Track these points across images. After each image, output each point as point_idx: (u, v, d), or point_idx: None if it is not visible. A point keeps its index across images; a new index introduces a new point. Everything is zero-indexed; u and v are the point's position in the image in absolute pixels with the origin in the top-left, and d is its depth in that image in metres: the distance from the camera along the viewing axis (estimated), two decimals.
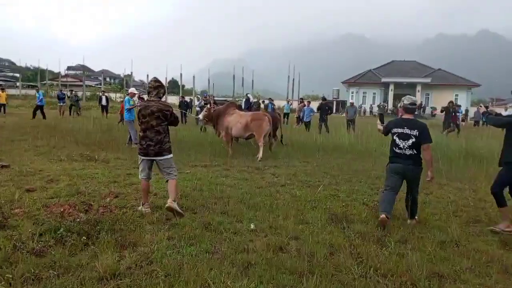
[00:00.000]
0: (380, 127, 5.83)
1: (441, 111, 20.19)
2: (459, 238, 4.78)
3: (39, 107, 21.44)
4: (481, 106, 6.41)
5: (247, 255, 4.00)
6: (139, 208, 5.44)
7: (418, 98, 50.31)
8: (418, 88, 51.51)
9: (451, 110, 18.99)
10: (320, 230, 4.84)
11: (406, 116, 5.33)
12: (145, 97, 6.09)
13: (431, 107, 47.74)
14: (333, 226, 5.01)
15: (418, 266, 3.88)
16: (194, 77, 57.00)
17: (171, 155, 5.53)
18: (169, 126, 5.57)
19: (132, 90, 13.11)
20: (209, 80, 58.25)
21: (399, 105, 5.98)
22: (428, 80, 51.92)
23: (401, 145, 5.17)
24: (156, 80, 5.61)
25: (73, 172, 7.64)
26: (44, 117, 20.98)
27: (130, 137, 12.09)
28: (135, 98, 12.96)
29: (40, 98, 21.74)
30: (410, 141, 5.11)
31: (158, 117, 5.35)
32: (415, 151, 5.12)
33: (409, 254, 4.21)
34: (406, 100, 5.34)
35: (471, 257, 4.22)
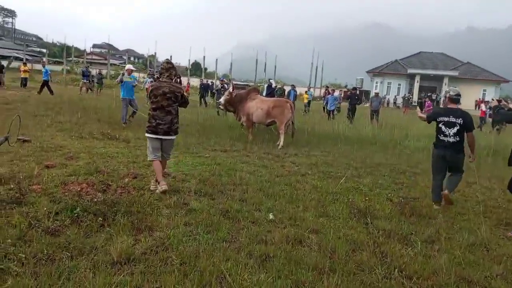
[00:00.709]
0: (421, 114, 6.20)
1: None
2: (489, 241, 4.53)
3: (45, 82, 21.16)
4: (493, 100, 6.03)
5: (265, 246, 3.86)
6: (153, 187, 5.46)
7: (445, 91, 49.10)
8: (445, 81, 50.09)
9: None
10: (342, 225, 4.66)
11: (451, 105, 5.67)
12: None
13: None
14: (355, 221, 4.81)
15: (445, 269, 3.66)
16: (216, 60, 56.76)
17: (175, 136, 5.73)
18: (179, 108, 5.73)
19: (129, 66, 12.67)
20: (231, 64, 57.95)
21: (442, 95, 6.32)
22: (455, 73, 50.43)
23: (447, 132, 5.55)
24: (168, 61, 5.81)
25: (93, 150, 7.61)
26: (51, 92, 20.62)
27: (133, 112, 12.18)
28: (144, 76, 12.75)
29: (48, 73, 21.59)
30: (455, 129, 5.49)
31: (169, 98, 5.49)
32: (458, 138, 5.51)
33: (436, 256, 4.00)
34: (452, 91, 5.68)
35: (503, 262, 3.97)
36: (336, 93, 21.72)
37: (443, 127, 5.57)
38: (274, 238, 4.05)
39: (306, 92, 26.88)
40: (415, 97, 48.63)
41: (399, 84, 53.27)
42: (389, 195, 6.10)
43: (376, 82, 53.38)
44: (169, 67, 5.65)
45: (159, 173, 5.49)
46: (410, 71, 51.35)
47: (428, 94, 49.00)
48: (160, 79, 5.70)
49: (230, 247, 3.81)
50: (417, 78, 50.90)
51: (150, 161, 5.75)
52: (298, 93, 25.77)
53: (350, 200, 5.63)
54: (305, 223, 4.58)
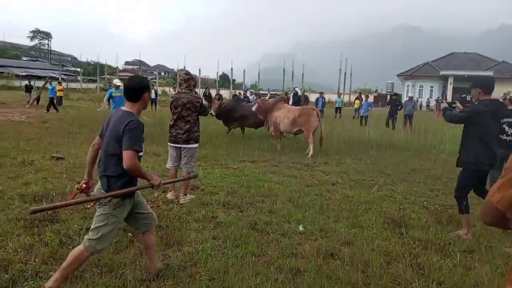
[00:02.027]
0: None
1: None
2: None
3: (51, 100, 21.14)
4: (442, 102, 5.49)
5: (296, 260, 3.75)
6: (167, 195, 5.75)
7: None
8: None
9: None
10: (375, 236, 4.48)
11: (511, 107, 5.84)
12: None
13: None
14: (389, 231, 4.63)
15: (487, 281, 3.45)
16: (244, 71, 57.14)
17: (196, 145, 5.81)
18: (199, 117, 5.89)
19: (115, 81, 12.48)
20: (259, 75, 58.18)
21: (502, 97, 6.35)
22: (490, 73, 48.65)
23: (509, 132, 5.69)
24: (186, 73, 6.04)
25: None
26: (56, 109, 20.72)
27: None
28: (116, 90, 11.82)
29: (54, 90, 21.74)
30: None
31: (188, 108, 5.67)
32: None
33: (477, 267, 3.77)
34: None
35: None
36: (370, 99, 21.42)
37: (506, 128, 5.70)
38: (305, 251, 3.94)
39: (356, 98, 27.02)
40: (449, 99, 47.25)
41: (432, 87, 51.94)
42: (424, 203, 5.86)
43: (408, 86, 52.26)
44: (187, 78, 5.87)
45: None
46: (442, 72, 50.01)
47: (462, 95, 47.55)
48: (179, 90, 5.93)
49: (259, 261, 3.73)
50: (450, 80, 49.49)
51: (167, 168, 6.04)
52: (327, 100, 25.52)
53: (384, 209, 5.43)
54: (336, 234, 4.43)
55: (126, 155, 2.89)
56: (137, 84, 3.15)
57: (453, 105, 5.24)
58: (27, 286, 3.04)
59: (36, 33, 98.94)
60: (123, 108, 3.18)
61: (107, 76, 61.24)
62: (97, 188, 3.14)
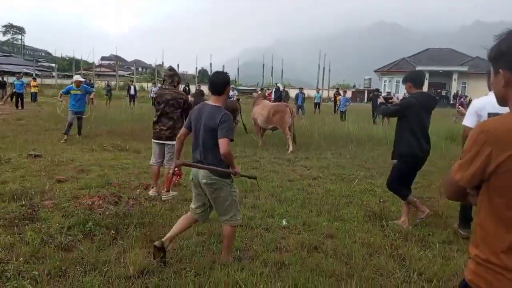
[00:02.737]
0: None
1: None
2: None
3: (18, 94, 20.70)
4: (379, 97, 5.55)
5: (280, 254, 3.80)
6: (149, 192, 5.69)
7: (454, 87, 48.52)
8: (454, 76, 49.53)
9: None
10: (357, 228, 4.57)
11: None
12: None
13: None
14: (370, 224, 4.72)
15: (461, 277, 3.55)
16: (223, 66, 56.91)
17: None
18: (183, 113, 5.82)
19: (76, 77, 11.56)
20: (238, 70, 58.07)
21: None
22: (465, 68, 49.83)
23: None
24: (170, 69, 6.03)
25: (104, 163, 7.63)
26: (17, 106, 20.24)
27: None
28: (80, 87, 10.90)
29: (23, 85, 21.33)
30: None
31: (172, 105, 5.66)
32: None
33: (455, 257, 3.89)
34: None
35: None
36: (348, 94, 21.74)
37: None
38: (289, 245, 3.99)
39: (335, 94, 26.99)
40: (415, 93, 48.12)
41: None
42: None
43: (385, 81, 53.03)
44: (171, 74, 5.84)
45: (154, 178, 5.84)
46: (418, 68, 50.81)
47: (438, 90, 48.52)
48: (163, 86, 5.89)
49: (244, 256, 3.75)
50: (426, 75, 50.37)
51: (150, 164, 6.05)
52: (306, 95, 25.68)
53: (365, 202, 5.55)
54: (319, 228, 4.50)
55: (223, 142, 3.31)
56: (223, 80, 3.53)
57: (390, 100, 5.42)
58: (9, 286, 2.98)
59: (9, 28, 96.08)
60: (210, 102, 3.57)
61: (83, 71, 60.06)
62: (194, 173, 3.60)
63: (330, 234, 4.32)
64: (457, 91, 46.70)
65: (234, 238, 3.75)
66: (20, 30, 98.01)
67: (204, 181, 3.45)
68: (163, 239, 3.51)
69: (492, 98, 4.83)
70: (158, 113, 5.72)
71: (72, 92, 10.74)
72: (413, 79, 4.74)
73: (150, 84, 41.22)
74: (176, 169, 3.84)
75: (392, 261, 3.71)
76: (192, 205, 3.74)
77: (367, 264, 3.63)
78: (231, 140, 3.38)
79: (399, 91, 52.33)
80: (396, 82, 53.13)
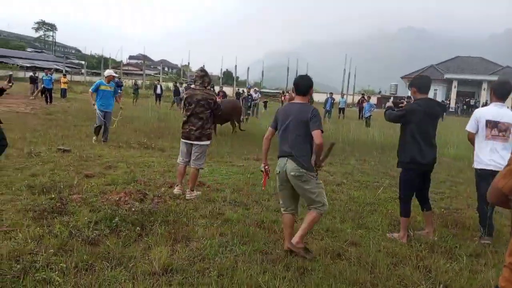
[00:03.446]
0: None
1: None
2: None
3: (47, 90, 21.23)
4: (388, 101, 5.26)
5: (303, 259, 3.77)
6: (174, 190, 5.74)
7: (483, 96, 47.31)
8: (484, 86, 48.36)
9: None
10: (382, 237, 4.50)
11: None
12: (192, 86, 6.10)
13: None
14: (396, 233, 4.64)
15: (494, 286, 3.45)
16: (248, 68, 57.15)
17: (208, 142, 5.88)
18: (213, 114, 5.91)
19: (109, 72, 10.19)
20: (262, 72, 58.16)
21: None
22: (495, 78, 48.60)
23: None
24: (201, 69, 6.01)
25: (131, 160, 7.76)
26: (47, 101, 20.80)
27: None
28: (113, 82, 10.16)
29: (52, 81, 21.85)
30: None
31: (202, 105, 5.69)
32: None
33: (483, 271, 3.79)
34: None
35: None
36: (373, 100, 21.54)
37: None
38: (312, 250, 3.96)
39: (360, 99, 26.42)
40: (452, 103, 47.21)
41: (435, 90, 51.85)
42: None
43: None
44: (202, 75, 5.86)
45: (179, 176, 5.87)
46: (447, 76, 49.96)
47: (466, 99, 47.44)
48: (193, 86, 5.90)
49: (267, 259, 3.75)
50: (455, 84, 49.45)
51: (177, 163, 6.07)
52: (335, 100, 25.40)
53: (390, 211, 5.46)
54: (343, 235, 4.46)
55: (317, 134, 3.67)
56: (308, 83, 3.96)
57: (400, 105, 5.19)
58: (38, 276, 3.06)
59: (41, 25, 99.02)
60: (296, 101, 3.96)
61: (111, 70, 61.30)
62: (280, 166, 3.91)
63: (354, 241, 4.28)
64: (486, 100, 45.49)
65: (313, 225, 4.02)
66: (52, 27, 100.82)
67: (293, 173, 3.75)
68: (288, 245, 3.84)
69: (490, 108, 4.75)
70: (188, 113, 5.73)
71: (101, 88, 9.64)
72: (419, 84, 4.60)
73: (175, 84, 41.67)
74: (267, 167, 4.22)
75: (418, 272, 3.64)
76: (283, 207, 4.03)
77: (391, 274, 3.57)
78: (322, 132, 3.72)
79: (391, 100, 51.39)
80: None
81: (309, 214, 3.88)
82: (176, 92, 25.50)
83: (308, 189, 3.78)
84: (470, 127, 4.83)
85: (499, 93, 4.72)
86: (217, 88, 23.93)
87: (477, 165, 4.76)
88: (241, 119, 18.99)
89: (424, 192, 4.78)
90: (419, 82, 4.65)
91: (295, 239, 3.82)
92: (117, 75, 11.28)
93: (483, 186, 4.48)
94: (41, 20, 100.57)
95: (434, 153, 4.61)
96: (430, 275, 3.62)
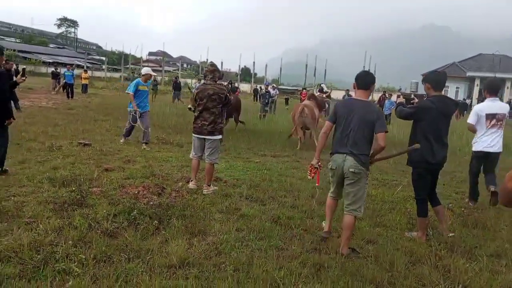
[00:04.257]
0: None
1: None
2: None
3: (69, 85, 21.57)
4: (399, 96, 5.17)
5: (319, 256, 3.75)
6: (189, 185, 5.76)
7: (507, 95, 46.15)
8: (508, 84, 47.15)
9: None
10: (400, 236, 4.44)
11: None
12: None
13: None
14: (414, 232, 4.57)
15: None
16: (266, 65, 57.03)
17: (220, 136, 5.87)
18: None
19: (147, 70, 9.32)
20: (280, 69, 57.99)
21: None
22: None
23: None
24: (212, 64, 6.03)
25: (149, 154, 7.85)
26: (68, 96, 21.12)
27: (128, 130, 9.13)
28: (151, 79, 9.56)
29: (73, 76, 22.17)
30: None
31: (214, 99, 5.69)
32: None
33: (504, 272, 3.70)
34: None
35: None
36: (393, 98, 21.16)
37: None
38: (328, 248, 3.93)
39: (381, 96, 25.89)
40: (475, 102, 46.17)
41: (457, 88, 50.85)
42: (450, 205, 5.76)
43: None
44: (213, 70, 5.86)
45: (193, 171, 5.89)
46: (469, 74, 48.86)
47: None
48: (205, 81, 5.90)
49: (283, 255, 3.74)
50: (477, 82, 48.35)
51: (190, 158, 6.07)
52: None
53: (408, 210, 5.37)
54: (360, 232, 4.42)
55: (383, 136, 3.85)
56: (371, 78, 4.07)
57: (412, 101, 5.07)
58: (58, 267, 3.12)
59: (63, 21, 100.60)
60: (358, 98, 4.05)
61: (131, 66, 62.01)
62: (337, 163, 3.96)
63: (372, 239, 4.24)
64: (509, 99, 44.35)
65: (352, 229, 4.01)
66: (74, 24, 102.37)
67: (352, 170, 3.84)
68: (326, 231, 4.19)
69: (487, 103, 5.54)
70: (200, 108, 5.73)
71: (140, 88, 8.82)
72: (434, 81, 4.45)
73: (193, 80, 41.96)
74: (320, 163, 4.29)
75: (436, 272, 3.58)
76: (332, 192, 4.23)
77: (409, 273, 3.52)
78: (386, 132, 3.93)
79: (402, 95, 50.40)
80: (445, 88, 51.14)
81: (347, 219, 3.93)
82: (177, 87, 25.71)
83: (360, 187, 3.90)
84: (471, 120, 5.89)
85: (492, 90, 5.91)
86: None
87: (475, 148, 5.95)
88: (261, 115, 19.01)
89: (432, 187, 4.62)
90: (434, 78, 4.52)
91: (342, 249, 3.85)
92: (155, 74, 10.31)
93: (475, 164, 6.08)
94: (63, 16, 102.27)
95: (445, 152, 4.49)
96: (448, 275, 3.56)
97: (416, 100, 4.94)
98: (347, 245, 3.88)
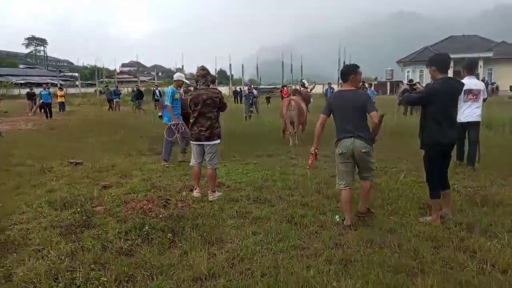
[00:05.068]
0: None
1: None
2: None
3: (46, 105, 21.25)
4: (402, 83, 5.23)
5: (343, 251, 3.70)
6: (193, 194, 5.65)
7: (481, 74, 47.22)
8: (480, 63, 48.20)
9: None
10: (414, 222, 4.43)
11: None
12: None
13: (492, 83, 44.46)
14: (428, 217, 4.57)
15: None
16: (242, 66, 56.99)
17: (219, 141, 5.81)
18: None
19: (179, 75, 8.63)
20: (257, 68, 58.00)
21: None
22: (490, 54, 48.48)
23: None
24: (203, 68, 5.81)
25: (145, 167, 7.69)
26: (46, 116, 20.82)
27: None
28: (181, 90, 8.60)
29: (50, 95, 21.96)
30: None
31: (209, 104, 5.58)
32: None
33: None
34: None
35: None
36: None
37: None
38: (350, 241, 3.89)
39: (361, 86, 26.30)
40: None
41: None
42: (454, 186, 5.78)
43: (408, 72, 52.08)
44: (204, 74, 5.74)
45: (195, 179, 5.78)
46: None
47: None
48: (197, 86, 5.78)
49: (306, 254, 3.68)
50: (451, 64, 49.28)
51: (190, 166, 5.96)
52: (333, 90, 25.29)
53: (416, 195, 5.38)
54: (376, 223, 4.40)
55: (375, 114, 4.35)
56: (346, 70, 4.55)
57: (414, 87, 5.16)
58: None
59: (31, 40, 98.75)
60: (344, 89, 4.55)
61: (105, 79, 61.08)
62: (346, 146, 4.32)
63: (390, 228, 4.21)
64: (484, 78, 45.38)
65: (371, 192, 4.72)
66: (42, 42, 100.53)
67: (364, 150, 4.29)
68: (349, 224, 4.39)
69: (466, 80, 6.67)
70: (195, 114, 5.61)
71: (175, 96, 8.08)
72: (438, 63, 4.48)
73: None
74: (317, 150, 4.70)
75: (462, 254, 3.57)
76: (343, 183, 4.45)
77: (435, 258, 3.51)
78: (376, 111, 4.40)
79: (423, 81, 51.38)
80: (420, 72, 52.11)
81: (366, 183, 4.51)
82: (139, 95, 25.52)
83: (370, 161, 4.41)
84: None
85: (470, 70, 7.22)
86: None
87: (458, 120, 5.70)
88: (246, 116, 18.96)
89: (443, 170, 4.65)
90: (438, 60, 4.54)
91: (361, 208, 4.50)
92: (186, 80, 9.17)
93: (460, 133, 6.71)
94: (31, 35, 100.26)
95: (456, 132, 4.57)
96: (474, 255, 3.56)
97: (418, 85, 4.97)
98: (365, 206, 4.50)
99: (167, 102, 7.90)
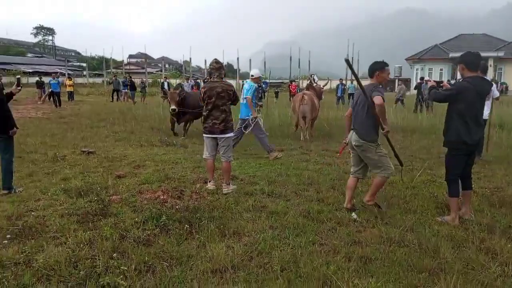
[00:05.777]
0: None
1: None
2: None
3: (55, 94, 21.45)
4: (429, 80, 5.13)
5: (362, 248, 3.67)
6: (208, 186, 5.61)
7: (490, 73, 46.77)
8: (490, 62, 47.64)
9: None
10: (432, 221, 4.40)
11: None
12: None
13: (502, 83, 44.07)
14: (446, 216, 4.52)
15: None
16: (250, 60, 56.74)
17: (232, 133, 5.87)
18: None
19: (257, 72, 8.49)
20: (264, 63, 57.74)
21: None
22: (501, 54, 47.95)
23: None
24: (217, 61, 5.78)
25: (157, 157, 7.68)
26: (56, 105, 21.09)
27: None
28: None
29: (59, 85, 22.03)
30: None
31: (223, 97, 5.58)
32: None
33: None
34: None
35: None
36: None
37: None
38: (369, 239, 3.86)
39: None
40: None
41: (441, 69, 51.28)
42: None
43: (417, 69, 51.66)
44: (218, 67, 5.71)
45: (210, 172, 5.74)
46: (452, 55, 49.27)
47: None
48: (211, 79, 5.75)
49: (324, 250, 3.66)
50: (490, 62, 48.81)
51: (204, 159, 5.90)
52: (345, 86, 25.04)
53: (433, 194, 5.34)
54: (394, 221, 4.36)
55: (377, 98, 4.33)
56: (372, 68, 4.63)
57: (441, 84, 5.07)
58: (102, 282, 2.98)
59: (40, 30, 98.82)
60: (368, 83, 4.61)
61: (113, 70, 61.06)
62: (350, 137, 4.70)
63: (408, 227, 4.16)
64: (494, 77, 44.95)
65: (381, 188, 4.83)
66: (50, 31, 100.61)
67: (354, 143, 4.58)
68: (347, 205, 4.74)
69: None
70: (209, 106, 5.58)
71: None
72: (467, 61, 4.42)
73: (179, 81, 41.35)
74: (346, 139, 4.85)
75: (483, 255, 3.54)
76: (352, 170, 4.87)
77: (456, 258, 3.47)
78: (383, 98, 4.39)
79: (432, 79, 50.87)
80: (429, 70, 51.72)
81: (374, 179, 4.71)
82: (132, 86, 25.66)
83: (369, 157, 4.56)
84: None
85: (482, 70, 5.72)
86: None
87: None
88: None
89: (467, 169, 4.61)
90: (469, 58, 4.46)
91: (366, 198, 4.72)
92: (262, 75, 8.99)
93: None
94: (40, 25, 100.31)
95: (482, 132, 4.51)
96: (495, 257, 3.52)
97: (445, 83, 4.92)
98: (371, 197, 4.67)
99: (250, 95, 7.84)
